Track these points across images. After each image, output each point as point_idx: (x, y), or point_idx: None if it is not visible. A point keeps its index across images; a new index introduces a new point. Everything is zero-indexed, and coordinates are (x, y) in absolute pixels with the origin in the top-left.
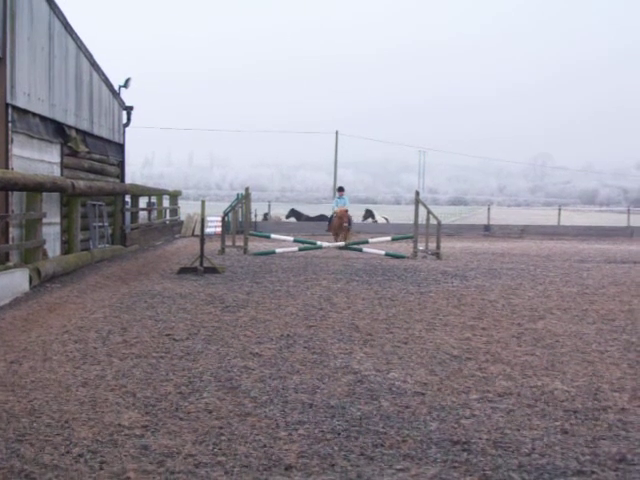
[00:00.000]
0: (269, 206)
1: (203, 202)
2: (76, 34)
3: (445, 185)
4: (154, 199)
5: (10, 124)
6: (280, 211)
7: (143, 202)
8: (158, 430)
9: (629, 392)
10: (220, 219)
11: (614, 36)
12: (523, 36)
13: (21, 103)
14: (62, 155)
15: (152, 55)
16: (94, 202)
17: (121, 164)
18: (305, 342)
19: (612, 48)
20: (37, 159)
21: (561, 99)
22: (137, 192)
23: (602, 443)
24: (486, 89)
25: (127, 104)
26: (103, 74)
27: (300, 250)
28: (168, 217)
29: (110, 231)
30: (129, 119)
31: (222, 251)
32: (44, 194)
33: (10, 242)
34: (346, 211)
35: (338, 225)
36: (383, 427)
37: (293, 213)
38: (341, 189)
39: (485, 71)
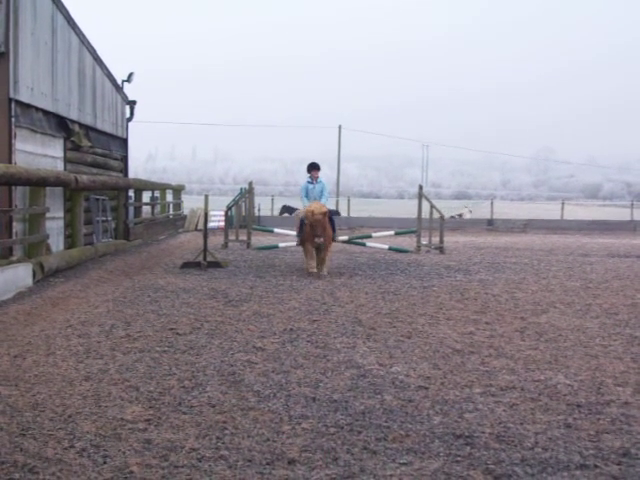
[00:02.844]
0: (272, 200)
1: (206, 196)
2: (79, 28)
3: (448, 179)
4: (157, 193)
5: (13, 119)
6: (291, 203)
7: (146, 196)
8: (161, 424)
9: (632, 386)
10: (223, 213)
11: (618, 30)
12: (526, 30)
13: (24, 98)
14: (65, 149)
15: (155, 50)
16: (97, 196)
17: (124, 158)
18: (308, 336)
19: (616, 43)
20: (40, 154)
21: (565, 93)
22: (140, 186)
23: (605, 437)
24: (489, 83)
25: (130, 98)
26: (106, 68)
27: None
28: (171, 211)
29: (113, 225)
30: (132, 113)
31: (225, 245)
32: (47, 189)
33: (14, 237)
34: (324, 214)
35: (312, 236)
36: (386, 421)
37: (285, 209)
38: (314, 166)
39: (488, 65)
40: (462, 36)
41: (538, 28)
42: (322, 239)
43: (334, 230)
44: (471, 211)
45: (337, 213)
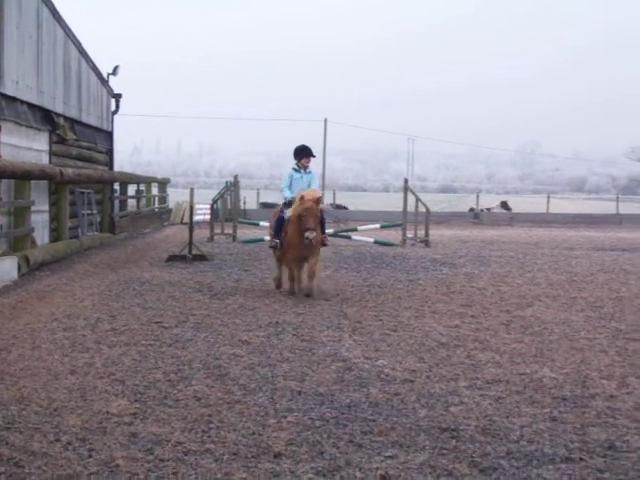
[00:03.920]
0: (258, 194)
1: (192, 190)
2: (64, 22)
3: (434, 173)
4: (143, 187)
5: None
6: (269, 199)
7: (132, 190)
8: (147, 418)
9: (617, 379)
10: (209, 207)
11: (604, 26)
12: (514, 27)
13: (9, 91)
14: (50, 143)
15: (141, 42)
16: (83, 190)
17: (109, 152)
18: (294, 329)
19: (602, 38)
20: (25, 147)
21: (550, 87)
22: (126, 180)
23: (591, 430)
24: (476, 78)
25: (116, 92)
26: (91, 62)
27: None
28: (157, 205)
29: (99, 219)
30: (117, 107)
31: (211, 239)
32: (32, 182)
33: None
34: (317, 201)
35: (298, 234)
36: (372, 414)
37: (265, 206)
38: (306, 152)
39: (475, 60)
40: (450, 30)
41: (527, 25)
42: (314, 234)
43: (323, 232)
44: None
45: (344, 207)
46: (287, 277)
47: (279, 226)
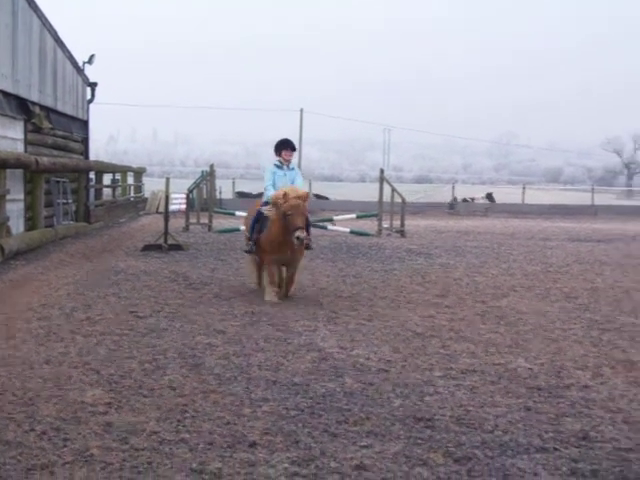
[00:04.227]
0: (233, 183)
1: (167, 179)
2: (41, 11)
3: (410, 163)
4: (118, 176)
5: None
6: (245, 189)
7: (107, 179)
8: (122, 407)
9: (592, 370)
10: (184, 196)
11: (580, 20)
12: (488, 19)
13: None
14: (26, 131)
15: (115, 31)
16: (58, 179)
17: (85, 141)
18: (269, 319)
19: (578, 31)
20: (0, 135)
21: (527, 79)
22: (101, 169)
23: (565, 420)
24: (452, 68)
25: (91, 80)
26: (67, 51)
27: None
28: (132, 194)
29: (74, 208)
30: (93, 95)
31: (186, 228)
32: (7, 171)
33: None
34: (303, 198)
35: (280, 242)
36: (347, 404)
37: (241, 195)
38: (286, 145)
39: (453, 52)
40: (426, 22)
41: (502, 19)
42: (305, 233)
43: (308, 229)
44: (487, 198)
45: (325, 197)
46: (268, 283)
47: (256, 221)
